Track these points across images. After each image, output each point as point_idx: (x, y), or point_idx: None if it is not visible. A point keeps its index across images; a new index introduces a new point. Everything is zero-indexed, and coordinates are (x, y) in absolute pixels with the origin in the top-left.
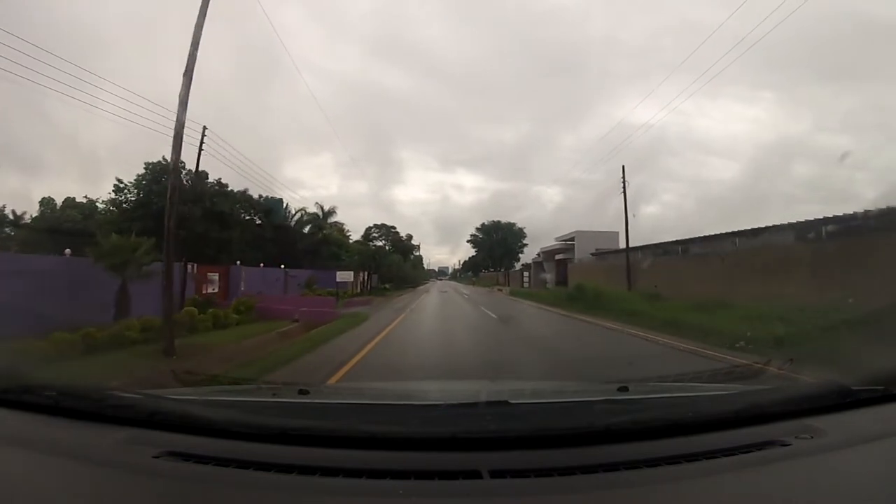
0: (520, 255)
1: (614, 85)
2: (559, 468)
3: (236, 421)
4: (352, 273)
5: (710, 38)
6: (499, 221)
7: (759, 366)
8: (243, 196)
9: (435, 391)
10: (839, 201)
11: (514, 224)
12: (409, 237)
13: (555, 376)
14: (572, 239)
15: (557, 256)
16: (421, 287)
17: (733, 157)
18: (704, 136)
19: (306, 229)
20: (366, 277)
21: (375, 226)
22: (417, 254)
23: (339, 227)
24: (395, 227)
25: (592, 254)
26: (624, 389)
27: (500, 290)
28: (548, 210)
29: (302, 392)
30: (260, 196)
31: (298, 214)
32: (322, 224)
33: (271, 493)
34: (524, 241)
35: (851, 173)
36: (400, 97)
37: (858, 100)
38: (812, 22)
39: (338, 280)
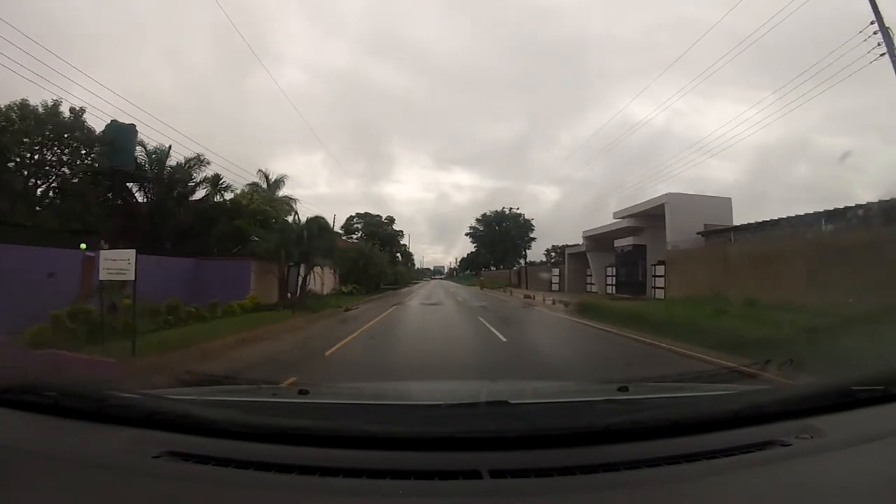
0: (526, 250)
1: (612, 81)
2: (559, 468)
3: (236, 421)
4: (132, 256)
5: (707, 37)
6: (503, 211)
7: (758, 366)
8: None
9: (435, 391)
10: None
11: (520, 214)
12: (391, 220)
13: None
14: (658, 211)
15: (620, 243)
16: (404, 290)
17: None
18: (707, 133)
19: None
20: (285, 273)
21: (358, 214)
22: (403, 242)
23: (268, 197)
24: (379, 216)
25: (703, 233)
26: (624, 389)
27: (531, 296)
28: (546, 208)
29: (302, 392)
30: (74, 110)
31: (187, 165)
32: (243, 192)
33: (271, 493)
34: (532, 235)
35: None
36: (394, 93)
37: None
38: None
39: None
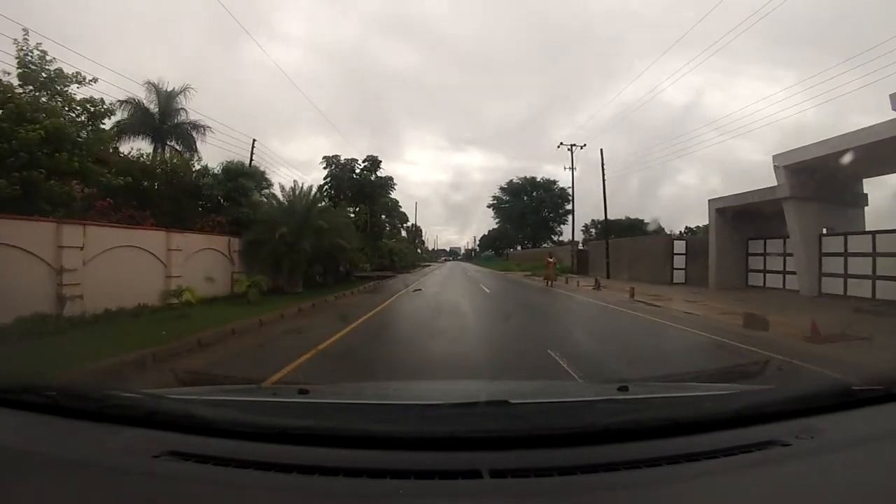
0: (560, 225)
1: (631, 57)
2: (559, 468)
3: (237, 421)
4: None
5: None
6: (534, 178)
7: (758, 366)
8: None
9: (435, 391)
10: None
11: (554, 182)
12: (374, 163)
13: None
14: None
15: None
16: (391, 282)
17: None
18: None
19: None
20: None
21: (325, 158)
22: (392, 197)
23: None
24: (354, 159)
25: None
26: (624, 389)
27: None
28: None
29: (302, 392)
30: None
31: None
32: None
33: (271, 492)
34: (566, 207)
35: None
36: (407, 72)
37: None
38: None
39: None
